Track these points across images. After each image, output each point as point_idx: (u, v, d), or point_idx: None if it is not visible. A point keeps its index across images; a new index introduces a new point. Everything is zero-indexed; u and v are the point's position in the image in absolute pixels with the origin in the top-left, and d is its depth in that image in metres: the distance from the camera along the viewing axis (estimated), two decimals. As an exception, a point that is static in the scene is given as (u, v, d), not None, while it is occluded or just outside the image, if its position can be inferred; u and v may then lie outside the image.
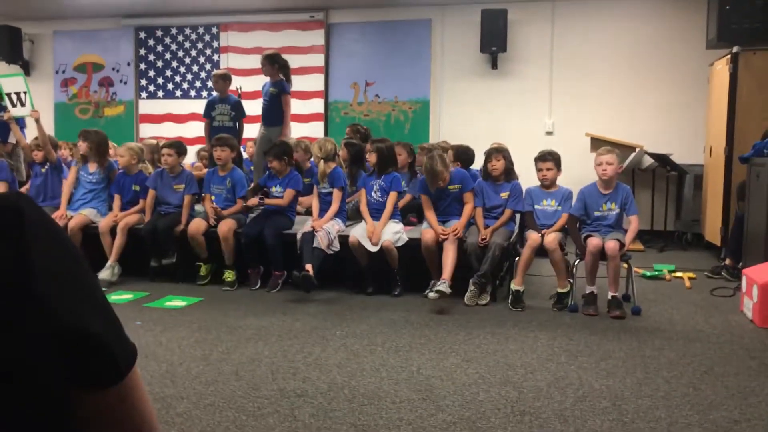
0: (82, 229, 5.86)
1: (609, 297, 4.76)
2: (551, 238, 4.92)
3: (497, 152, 5.46)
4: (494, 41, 8.37)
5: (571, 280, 4.96)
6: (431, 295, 5.21)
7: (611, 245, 4.71)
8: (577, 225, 5.08)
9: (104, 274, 5.67)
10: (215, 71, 7.85)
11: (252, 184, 6.20)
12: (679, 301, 5.19)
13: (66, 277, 0.69)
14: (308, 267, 5.18)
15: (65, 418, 0.70)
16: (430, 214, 5.38)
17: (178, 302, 5.14)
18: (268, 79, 6.94)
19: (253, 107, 8.48)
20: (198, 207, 6.23)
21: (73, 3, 8.53)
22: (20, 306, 0.63)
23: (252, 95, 8.79)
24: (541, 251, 5.02)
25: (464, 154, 5.96)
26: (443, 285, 4.89)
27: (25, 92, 6.46)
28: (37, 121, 6.39)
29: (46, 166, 6.47)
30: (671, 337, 4.20)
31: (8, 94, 6.50)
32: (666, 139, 8.00)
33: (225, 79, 7.27)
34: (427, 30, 8.86)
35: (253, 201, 5.87)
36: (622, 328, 4.42)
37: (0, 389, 0.64)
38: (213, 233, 5.67)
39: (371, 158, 5.54)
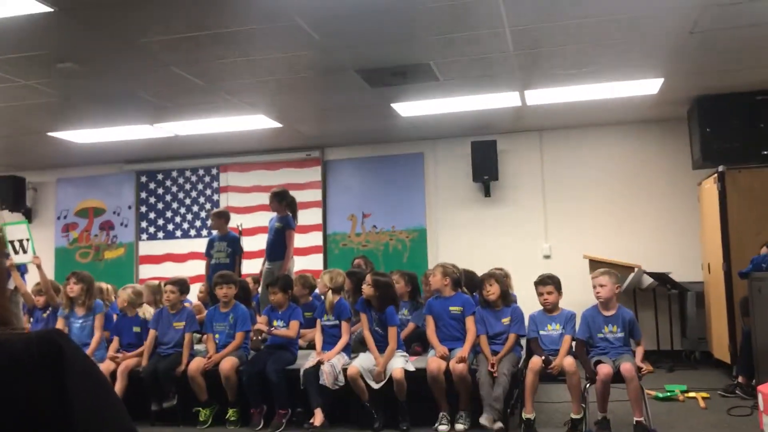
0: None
1: (634, 422, 4.62)
2: (569, 361, 4.84)
3: (489, 277, 5.49)
4: (486, 170, 8.62)
5: (584, 405, 4.83)
6: (441, 428, 5.08)
7: (627, 367, 4.63)
8: (585, 348, 5.02)
9: None
10: (213, 210, 8.03)
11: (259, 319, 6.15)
12: (696, 422, 5.04)
13: (102, 412, 0.70)
14: (317, 412, 5.09)
15: None
16: (432, 334, 5.35)
17: (179, 447, 4.96)
18: (273, 214, 7.10)
19: (254, 244, 8.60)
20: (198, 346, 6.16)
21: (76, 151, 8.82)
22: None
23: (252, 231, 8.93)
24: (547, 376, 4.94)
25: (470, 280, 5.96)
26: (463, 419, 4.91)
27: (27, 239, 6.55)
28: (39, 267, 6.43)
29: (47, 311, 6.45)
30: (693, 461, 4.05)
31: (11, 242, 6.58)
32: (664, 258, 8.06)
33: (221, 216, 7.43)
34: (420, 162, 9.15)
35: (262, 323, 5.77)
36: (641, 453, 4.26)
37: None
38: (214, 372, 5.57)
39: (367, 290, 5.49)
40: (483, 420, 4.80)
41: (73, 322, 6.18)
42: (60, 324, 6.25)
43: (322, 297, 5.95)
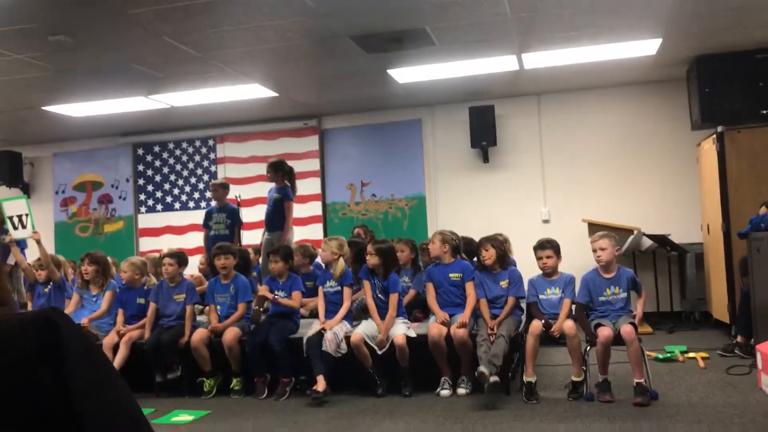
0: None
1: (634, 383, 4.64)
2: (569, 324, 4.87)
3: (486, 241, 5.49)
4: (484, 136, 8.57)
5: (585, 368, 4.87)
6: (443, 393, 5.12)
7: (627, 329, 4.65)
8: (585, 312, 5.05)
9: None
10: (213, 181, 8.00)
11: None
12: (696, 382, 5.09)
13: (102, 392, 0.69)
14: (320, 379, 5.11)
15: None
16: (432, 300, 5.38)
17: (185, 417, 5.01)
18: (272, 185, 7.08)
19: (252, 214, 8.59)
20: (201, 318, 6.19)
21: (71, 125, 8.76)
22: (59, 423, 0.63)
23: (250, 202, 8.92)
24: (548, 340, 4.98)
25: (469, 246, 5.97)
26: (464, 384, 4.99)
27: (26, 214, 6.53)
28: (38, 242, 6.43)
29: (49, 286, 6.47)
30: (693, 420, 4.10)
31: (10, 217, 6.57)
32: (663, 220, 8.07)
33: (223, 187, 7.42)
34: (417, 129, 9.10)
35: (264, 290, 5.76)
36: (642, 413, 4.31)
37: None
38: (218, 343, 5.61)
39: (372, 260, 5.50)
40: (480, 368, 4.66)
41: (87, 300, 6.29)
42: (75, 299, 6.31)
43: (323, 265, 5.95)
